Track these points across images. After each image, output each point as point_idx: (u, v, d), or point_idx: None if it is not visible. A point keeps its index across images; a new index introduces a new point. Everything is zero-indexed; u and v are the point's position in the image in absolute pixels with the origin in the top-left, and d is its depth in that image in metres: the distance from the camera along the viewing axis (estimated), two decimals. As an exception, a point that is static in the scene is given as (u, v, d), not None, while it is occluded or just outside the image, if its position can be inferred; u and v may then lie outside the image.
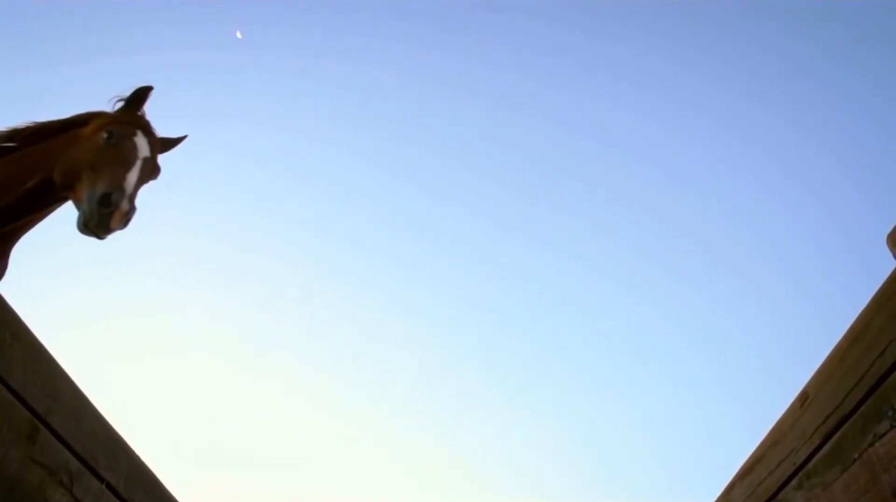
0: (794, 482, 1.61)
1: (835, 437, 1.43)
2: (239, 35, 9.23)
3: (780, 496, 1.68)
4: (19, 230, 2.91)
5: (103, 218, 2.59)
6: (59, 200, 2.90)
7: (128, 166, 2.81)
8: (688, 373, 10.01)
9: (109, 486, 1.51)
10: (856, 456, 1.35)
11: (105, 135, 2.87)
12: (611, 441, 9.84)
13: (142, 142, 2.97)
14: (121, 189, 2.67)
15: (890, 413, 1.23)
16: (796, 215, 9.89)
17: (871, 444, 1.29)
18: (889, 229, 1.17)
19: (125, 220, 2.66)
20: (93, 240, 2.64)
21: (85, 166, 2.77)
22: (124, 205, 2.64)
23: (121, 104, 3.07)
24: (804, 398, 1.60)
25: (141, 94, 3.06)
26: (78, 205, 2.71)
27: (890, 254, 1.18)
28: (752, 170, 10.21)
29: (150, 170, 3.01)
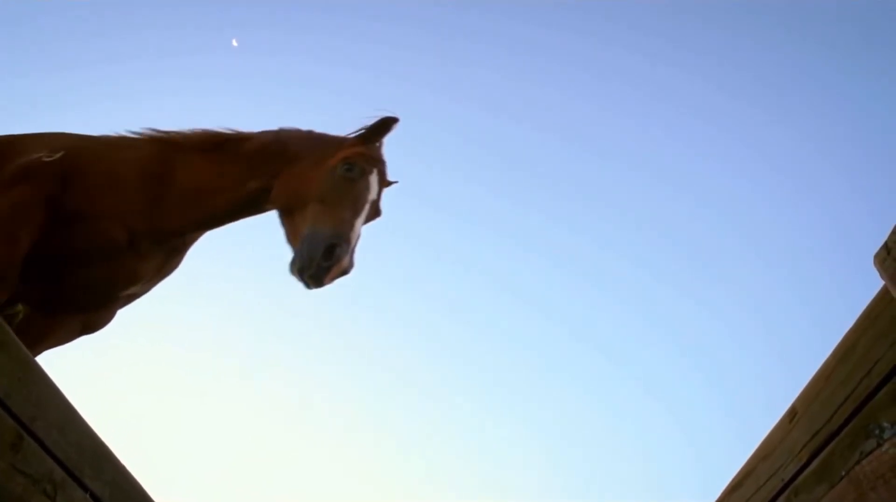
0: (782, 498, 1.62)
1: (822, 454, 1.44)
2: (235, 43, 9.23)
3: (768, 512, 1.68)
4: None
5: (321, 271, 2.35)
6: (261, 212, 2.72)
7: (358, 210, 2.54)
8: (678, 386, 10.03)
9: (94, 496, 1.50)
10: (843, 473, 1.35)
11: (345, 168, 2.59)
12: (598, 455, 9.83)
13: (374, 182, 2.69)
14: (347, 241, 2.41)
15: (877, 431, 1.24)
16: (787, 232, 9.95)
17: (859, 462, 1.29)
18: (876, 249, 1.18)
19: (340, 276, 2.43)
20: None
21: (313, 196, 2.51)
22: (345, 262, 2.41)
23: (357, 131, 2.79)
24: (793, 414, 1.61)
25: (385, 126, 2.75)
26: (294, 240, 2.48)
27: (877, 274, 1.19)
28: (744, 184, 10.27)
29: (373, 214, 2.74)
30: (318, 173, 2.58)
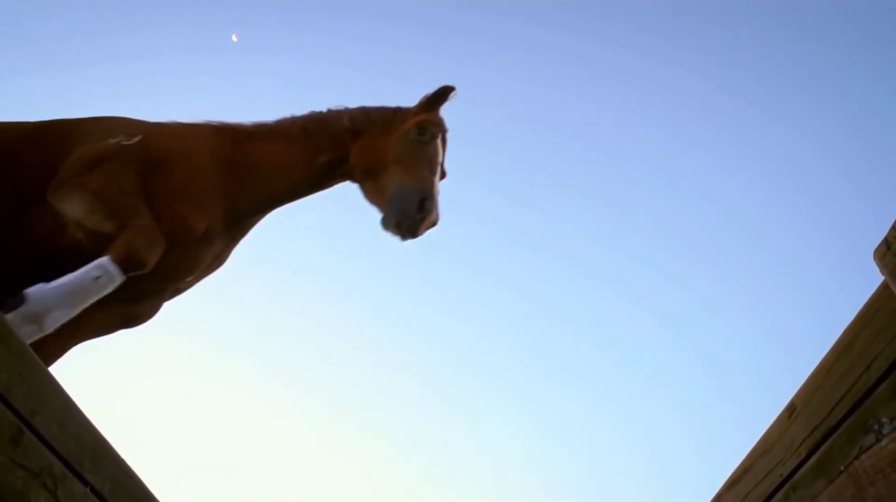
0: (780, 493, 1.62)
1: (821, 449, 1.44)
2: (234, 38, 9.20)
3: (766, 507, 1.68)
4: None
5: (416, 222, 2.56)
6: (327, 186, 2.89)
7: (433, 170, 2.78)
8: (676, 382, 10.05)
9: (94, 490, 1.50)
10: (842, 468, 1.35)
11: (417, 132, 2.84)
12: (596, 449, 9.85)
13: (441, 145, 2.92)
14: (432, 197, 2.64)
15: (876, 426, 1.24)
16: (787, 227, 9.96)
17: (857, 457, 1.30)
18: (876, 244, 1.18)
19: (430, 228, 2.63)
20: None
21: (392, 159, 2.74)
22: (434, 214, 2.61)
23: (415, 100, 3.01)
24: (792, 410, 1.61)
25: (444, 94, 3.00)
26: (380, 200, 2.68)
27: (877, 269, 1.19)
28: (744, 180, 10.27)
29: (441, 175, 2.96)
30: (392, 139, 2.81)
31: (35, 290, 2.04)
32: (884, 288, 1.22)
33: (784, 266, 9.63)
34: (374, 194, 2.76)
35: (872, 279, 1.24)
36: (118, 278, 2.18)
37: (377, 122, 2.90)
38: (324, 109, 2.99)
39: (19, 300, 1.98)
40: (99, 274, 2.13)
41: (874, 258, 1.19)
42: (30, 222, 2.43)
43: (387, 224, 2.60)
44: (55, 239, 2.42)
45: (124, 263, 2.18)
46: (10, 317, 1.96)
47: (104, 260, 2.17)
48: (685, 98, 10.02)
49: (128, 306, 2.65)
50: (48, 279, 2.25)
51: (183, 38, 9.51)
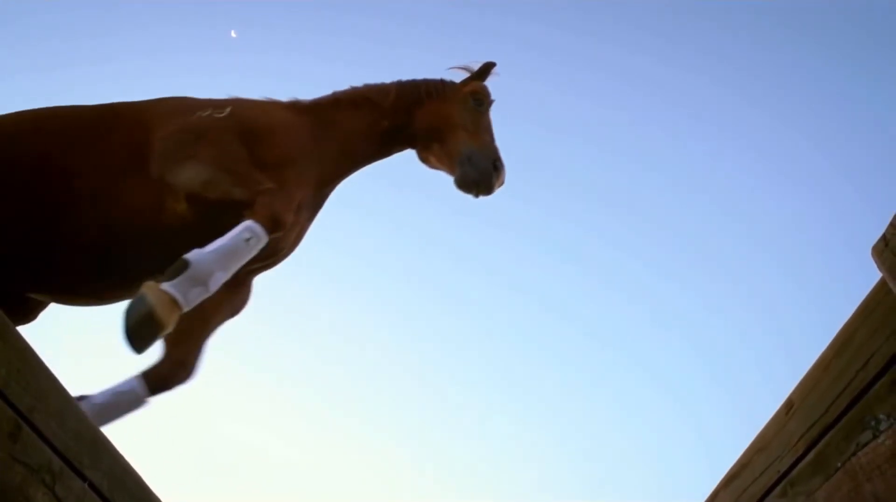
0: (777, 489, 1.63)
1: (819, 446, 1.45)
2: (234, 34, 9.17)
3: (763, 503, 1.69)
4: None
5: (492, 181, 2.75)
6: (396, 150, 3.05)
7: (492, 136, 2.99)
8: (672, 378, 10.07)
9: (92, 486, 1.50)
10: (839, 464, 1.36)
11: (474, 101, 3.04)
12: (591, 445, 9.87)
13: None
14: (500, 158, 2.83)
15: (873, 423, 1.25)
16: (785, 224, 9.97)
17: (855, 453, 1.30)
18: (874, 240, 1.19)
19: (498, 188, 2.83)
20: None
21: (457, 125, 2.92)
22: (503, 175, 2.80)
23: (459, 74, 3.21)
24: (789, 406, 1.62)
25: (489, 69, 3.21)
26: (449, 162, 2.85)
27: (875, 266, 1.19)
28: (741, 176, 10.28)
29: None
30: (452, 107, 3.00)
31: (195, 255, 2.10)
32: (882, 284, 1.22)
33: (782, 262, 9.64)
34: (442, 157, 2.91)
35: (871, 275, 1.24)
36: (264, 239, 2.23)
37: (432, 92, 3.08)
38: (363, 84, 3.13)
39: (183, 265, 2.04)
40: (249, 235, 2.18)
41: (872, 254, 1.19)
42: (118, 199, 2.45)
43: (464, 183, 2.75)
44: (146, 213, 2.44)
45: (269, 224, 2.22)
46: (178, 281, 2.02)
47: (250, 222, 2.20)
48: (681, 94, 10.02)
49: (233, 292, 2.64)
50: (138, 253, 2.37)
51: (180, 38, 9.48)
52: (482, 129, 2.96)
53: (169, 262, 2.36)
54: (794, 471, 1.55)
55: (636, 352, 10.02)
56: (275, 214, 2.25)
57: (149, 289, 2.00)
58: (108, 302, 2.68)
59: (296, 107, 2.92)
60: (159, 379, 2.43)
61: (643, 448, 9.45)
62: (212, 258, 2.08)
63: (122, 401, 2.31)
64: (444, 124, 2.94)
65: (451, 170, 2.86)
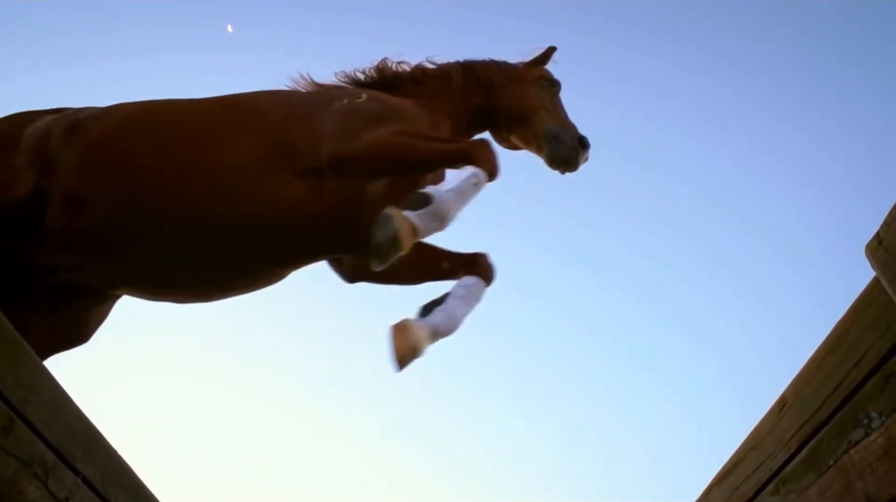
0: (770, 486, 1.63)
1: (811, 443, 1.45)
2: (230, 29, 9.13)
3: (756, 500, 1.70)
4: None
5: (579, 158, 2.84)
6: (479, 131, 3.07)
7: (567, 115, 3.06)
8: (666, 375, 10.09)
9: (85, 480, 1.49)
10: (831, 462, 1.36)
11: (548, 82, 3.14)
12: (584, 441, 9.89)
13: None
14: (584, 136, 2.92)
15: (865, 421, 1.25)
16: (780, 222, 10.00)
17: (847, 451, 1.31)
18: (868, 239, 1.19)
19: (582, 164, 2.92)
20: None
21: (540, 106, 3.00)
22: (588, 152, 2.91)
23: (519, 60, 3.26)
24: (782, 403, 1.62)
25: (551, 53, 3.31)
26: (533, 141, 2.93)
27: (868, 264, 1.20)
28: (737, 174, 10.30)
29: None
30: (530, 88, 3.08)
31: (437, 191, 2.13)
32: (875, 283, 1.22)
33: (776, 260, 9.67)
34: (528, 137, 2.98)
35: (865, 274, 1.24)
36: (485, 185, 2.29)
37: (507, 73, 3.16)
38: (461, 60, 3.20)
39: (425, 198, 2.09)
40: (476, 180, 2.22)
41: (866, 253, 1.19)
42: (251, 191, 2.42)
43: (554, 160, 2.83)
44: (283, 205, 2.43)
45: (492, 170, 2.29)
46: (421, 212, 2.06)
47: (475, 168, 2.25)
48: (677, 91, 10.03)
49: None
50: (267, 245, 2.43)
51: (178, 36, 9.43)
52: (560, 109, 3.06)
53: (297, 254, 2.57)
54: (787, 469, 1.55)
55: (631, 349, 10.05)
56: (494, 161, 2.32)
57: (395, 213, 2.04)
58: (215, 298, 2.68)
59: (414, 92, 2.97)
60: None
61: (636, 445, 9.48)
62: (451, 197, 2.13)
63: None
64: (526, 106, 3.01)
65: (537, 149, 2.93)
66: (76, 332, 2.60)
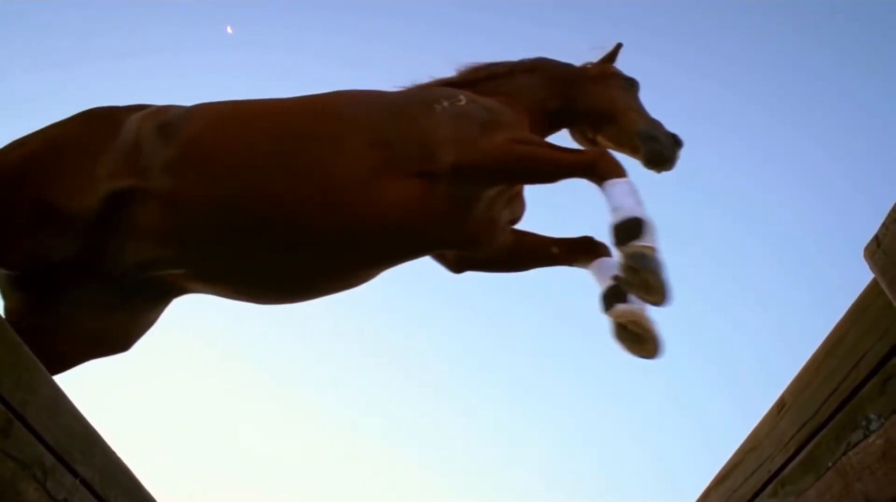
0: (769, 489, 1.63)
1: (810, 445, 1.46)
2: (229, 30, 9.13)
3: (754, 502, 1.70)
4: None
5: (676, 157, 2.80)
6: (556, 130, 3.05)
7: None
8: (664, 376, 10.10)
9: (84, 481, 1.49)
10: (830, 464, 1.37)
11: (626, 81, 3.09)
12: (582, 443, 9.90)
13: None
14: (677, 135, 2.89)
15: (864, 423, 1.25)
16: (778, 224, 10.01)
17: (845, 453, 1.31)
18: (867, 241, 1.19)
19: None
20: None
21: (626, 107, 2.96)
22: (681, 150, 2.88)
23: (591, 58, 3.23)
24: (781, 405, 1.62)
25: (617, 51, 3.26)
26: (631, 140, 2.85)
27: (867, 267, 1.20)
28: (735, 176, 10.31)
29: None
30: (612, 88, 3.04)
31: (632, 209, 2.14)
32: (874, 285, 1.23)
33: (775, 262, 9.68)
34: (620, 138, 2.92)
35: (863, 276, 1.24)
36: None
37: (582, 72, 3.14)
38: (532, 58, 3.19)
39: (638, 222, 2.09)
40: (628, 187, 2.23)
41: (864, 255, 1.20)
42: (353, 194, 2.41)
43: (653, 160, 2.78)
44: (388, 208, 2.42)
45: (623, 172, 2.29)
46: (650, 236, 2.07)
47: (619, 180, 2.24)
48: (677, 91, 10.04)
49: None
50: (366, 246, 2.45)
51: (174, 35, 9.41)
52: (644, 109, 3.00)
53: (399, 255, 2.61)
54: (786, 471, 1.56)
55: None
56: (620, 165, 2.31)
57: (648, 251, 2.06)
58: (302, 300, 2.66)
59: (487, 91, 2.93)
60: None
61: (634, 446, 9.48)
62: (642, 210, 2.15)
63: None
64: (614, 106, 2.97)
65: (631, 150, 2.88)
66: (123, 338, 2.57)
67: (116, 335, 2.55)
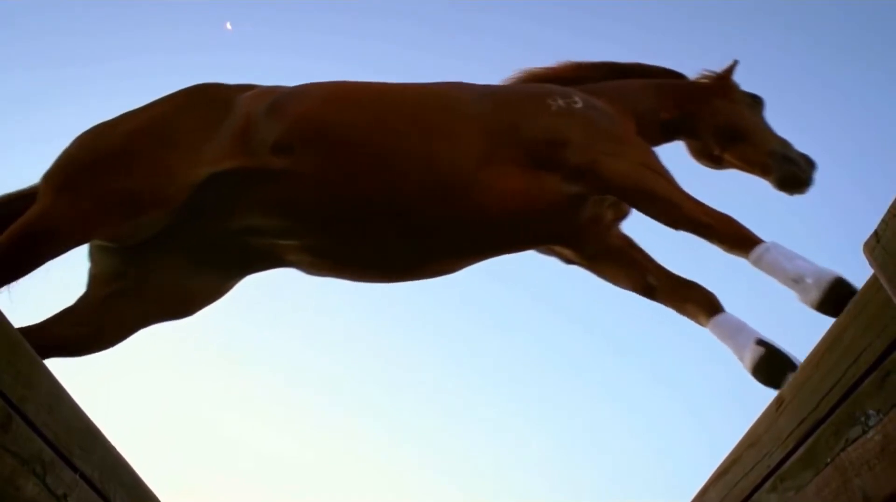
0: (767, 484, 1.64)
1: (809, 441, 1.46)
2: (229, 26, 9.10)
3: (753, 498, 1.70)
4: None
5: (812, 178, 2.74)
6: (665, 141, 2.98)
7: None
8: (660, 370, 10.11)
9: (83, 476, 1.50)
10: (828, 460, 1.37)
11: (749, 99, 3.02)
12: (579, 438, 9.91)
13: None
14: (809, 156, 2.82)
15: (863, 418, 1.25)
16: (778, 219, 10.01)
17: (844, 449, 1.31)
18: (866, 237, 1.19)
19: None
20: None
21: (756, 125, 2.89)
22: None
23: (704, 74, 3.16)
24: (780, 401, 1.62)
25: (734, 67, 3.18)
26: (765, 159, 2.78)
27: (867, 262, 1.20)
28: (734, 172, 10.31)
29: None
30: (739, 105, 2.97)
31: (804, 269, 2.01)
32: (873, 281, 1.23)
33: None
34: (749, 156, 2.86)
35: (863, 272, 1.24)
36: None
37: (703, 88, 3.07)
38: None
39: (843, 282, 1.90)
40: (771, 253, 2.13)
41: (864, 251, 1.19)
42: (473, 183, 2.43)
43: (787, 182, 2.73)
44: (506, 199, 2.44)
45: (755, 241, 2.21)
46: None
47: (764, 244, 2.15)
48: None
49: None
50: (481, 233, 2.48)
51: (177, 35, 9.39)
52: (771, 128, 2.93)
53: (502, 245, 2.63)
54: (785, 467, 1.56)
55: (627, 346, 10.05)
56: (750, 233, 2.22)
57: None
58: (394, 281, 2.70)
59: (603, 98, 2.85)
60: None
61: (632, 443, 9.50)
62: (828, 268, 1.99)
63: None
64: (741, 124, 2.90)
65: (762, 171, 2.82)
66: (194, 304, 2.65)
67: (189, 301, 2.63)
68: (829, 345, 1.40)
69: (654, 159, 2.55)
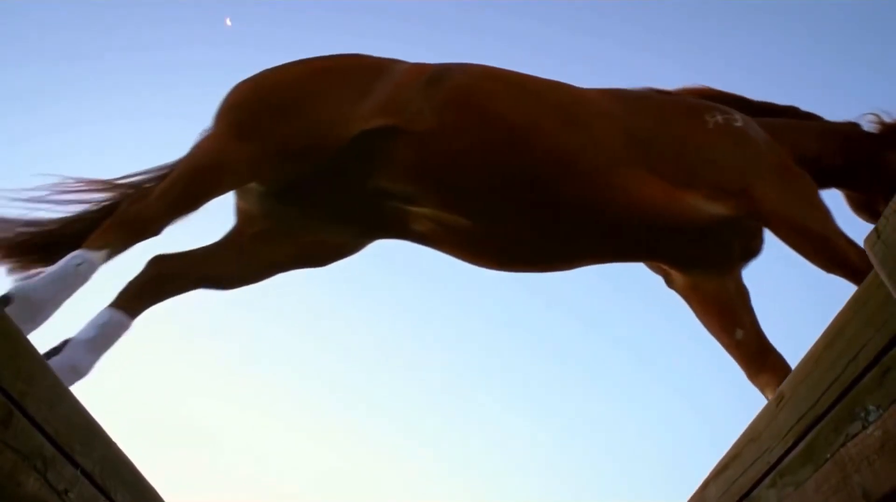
0: (767, 480, 1.64)
1: (808, 437, 1.46)
2: (228, 22, 9.09)
3: (753, 494, 1.70)
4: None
5: None
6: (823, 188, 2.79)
7: None
8: (660, 367, 10.12)
9: (84, 473, 1.50)
10: (828, 456, 1.37)
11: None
12: (580, 435, 9.93)
13: None
14: None
15: (862, 414, 1.26)
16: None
17: (843, 445, 1.31)
18: (867, 233, 1.19)
19: None
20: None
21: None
22: None
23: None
24: (780, 398, 1.63)
25: None
26: None
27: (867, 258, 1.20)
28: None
29: None
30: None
31: None
32: (873, 276, 1.23)
33: (773, 253, 9.68)
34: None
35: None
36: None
37: (880, 137, 2.91)
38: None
39: None
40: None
41: (865, 246, 1.20)
42: (610, 186, 2.42)
43: None
44: (643, 206, 2.40)
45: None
46: None
47: None
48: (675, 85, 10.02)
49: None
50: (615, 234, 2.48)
51: (176, 33, 9.37)
52: None
53: (621, 249, 2.62)
54: (784, 462, 1.56)
55: (628, 343, 10.06)
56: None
57: None
58: (506, 269, 2.73)
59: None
60: None
61: (633, 439, 9.51)
62: None
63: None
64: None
65: None
66: (329, 257, 2.74)
67: (324, 253, 2.72)
68: (829, 340, 1.40)
69: (815, 193, 2.42)
